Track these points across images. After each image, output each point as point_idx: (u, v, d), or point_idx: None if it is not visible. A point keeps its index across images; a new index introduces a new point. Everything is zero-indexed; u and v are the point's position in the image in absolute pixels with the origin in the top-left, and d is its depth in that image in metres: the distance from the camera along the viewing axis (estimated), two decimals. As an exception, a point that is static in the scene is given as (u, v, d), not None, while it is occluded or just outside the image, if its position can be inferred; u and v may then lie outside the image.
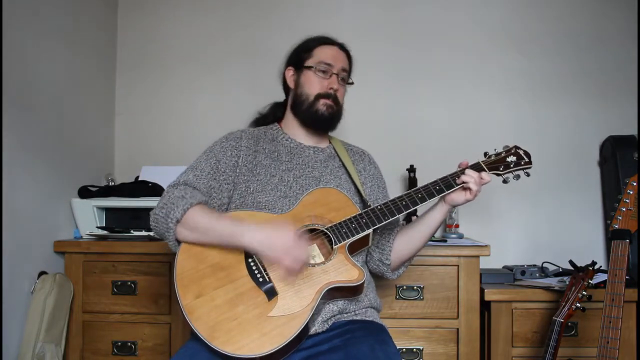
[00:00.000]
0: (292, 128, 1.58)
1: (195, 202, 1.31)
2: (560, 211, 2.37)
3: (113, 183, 2.27)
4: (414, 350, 1.87)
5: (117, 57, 2.52)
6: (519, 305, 1.88)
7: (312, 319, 1.25)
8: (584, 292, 1.62)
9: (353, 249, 1.37)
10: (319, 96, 1.51)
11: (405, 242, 1.48)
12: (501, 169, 1.44)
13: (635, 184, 1.50)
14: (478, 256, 1.89)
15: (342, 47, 1.59)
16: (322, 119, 1.52)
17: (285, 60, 1.62)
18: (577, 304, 1.62)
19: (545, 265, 2.14)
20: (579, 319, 1.84)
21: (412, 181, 2.20)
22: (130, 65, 2.51)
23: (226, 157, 1.46)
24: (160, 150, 2.46)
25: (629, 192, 1.51)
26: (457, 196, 1.41)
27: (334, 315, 1.35)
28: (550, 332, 1.61)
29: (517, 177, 1.46)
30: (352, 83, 1.61)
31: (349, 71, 1.60)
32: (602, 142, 2.34)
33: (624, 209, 1.50)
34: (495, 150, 1.48)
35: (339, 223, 1.36)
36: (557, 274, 2.08)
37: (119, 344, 1.94)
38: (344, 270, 1.30)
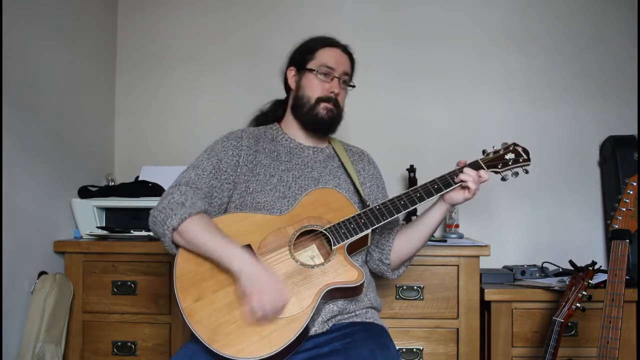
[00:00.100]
0: (292, 128, 1.58)
1: (194, 212, 1.29)
2: (560, 211, 2.36)
3: (113, 183, 2.27)
4: (414, 350, 1.87)
5: (117, 57, 2.52)
6: (519, 305, 1.87)
7: (311, 320, 1.25)
8: (584, 292, 1.62)
9: (352, 249, 1.37)
10: (319, 100, 1.50)
11: (405, 242, 1.48)
12: (499, 166, 1.43)
13: (635, 184, 1.50)
14: (478, 256, 1.89)
15: (345, 50, 1.57)
16: (322, 123, 1.51)
17: (287, 60, 1.61)
18: (577, 304, 1.62)
19: (545, 265, 2.14)
20: (579, 319, 1.84)
21: (412, 181, 2.20)
22: (130, 65, 2.51)
23: (227, 157, 1.45)
24: (160, 150, 2.46)
25: (629, 192, 1.51)
26: (456, 195, 1.40)
27: (334, 316, 1.35)
28: (550, 332, 1.61)
29: (516, 174, 1.45)
30: (354, 86, 1.60)
31: (350, 74, 1.58)
32: (602, 142, 2.34)
33: (624, 209, 1.50)
34: (493, 147, 1.47)
35: (338, 224, 1.36)
36: (557, 274, 2.07)
37: (119, 344, 1.94)
38: (343, 271, 1.30)
